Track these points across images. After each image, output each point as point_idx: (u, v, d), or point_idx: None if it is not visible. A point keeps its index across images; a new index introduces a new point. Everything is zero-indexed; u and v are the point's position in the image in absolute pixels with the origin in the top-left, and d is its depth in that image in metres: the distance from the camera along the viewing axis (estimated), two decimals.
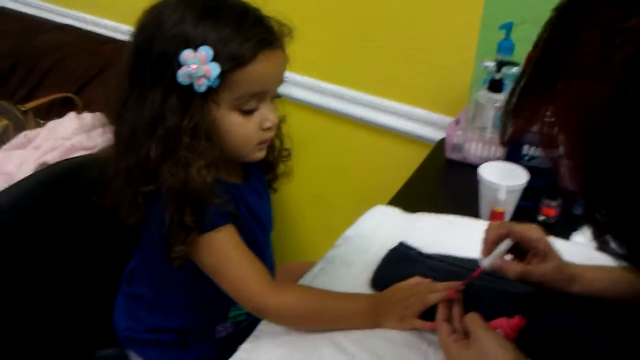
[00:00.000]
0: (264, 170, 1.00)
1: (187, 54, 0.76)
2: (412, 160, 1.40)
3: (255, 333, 0.84)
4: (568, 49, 0.45)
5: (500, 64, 1.25)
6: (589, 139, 0.44)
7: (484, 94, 1.28)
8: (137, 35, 0.83)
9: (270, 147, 0.95)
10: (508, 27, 1.25)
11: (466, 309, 0.77)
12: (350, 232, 1.05)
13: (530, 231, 0.80)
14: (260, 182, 0.99)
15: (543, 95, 0.49)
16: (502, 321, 0.72)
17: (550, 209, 1.11)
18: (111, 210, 0.86)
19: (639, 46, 0.40)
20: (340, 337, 0.81)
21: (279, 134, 0.96)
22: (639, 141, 0.41)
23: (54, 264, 1.03)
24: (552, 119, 0.49)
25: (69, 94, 1.94)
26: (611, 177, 0.44)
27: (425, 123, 1.54)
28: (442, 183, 1.33)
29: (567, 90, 0.46)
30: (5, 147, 1.76)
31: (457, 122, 1.38)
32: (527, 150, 1.14)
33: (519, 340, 0.71)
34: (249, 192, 0.94)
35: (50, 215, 1.02)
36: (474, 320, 0.72)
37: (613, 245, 0.48)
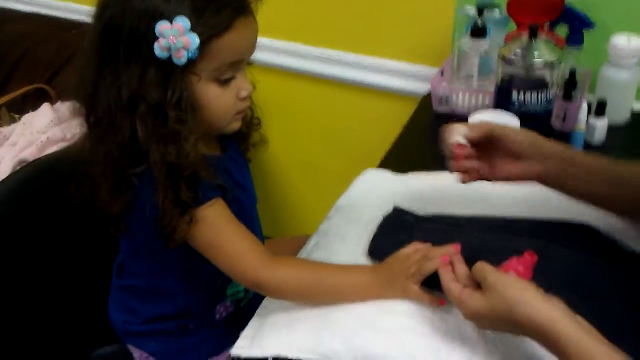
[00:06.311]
0: (238, 141, 0.98)
1: (163, 26, 0.73)
2: (399, 116, 1.35)
3: (255, 318, 0.82)
4: None
5: (482, 8, 1.20)
6: None
7: (468, 41, 1.24)
8: (101, 13, 0.78)
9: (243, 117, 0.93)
10: None
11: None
12: (342, 201, 1.01)
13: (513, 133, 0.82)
14: (238, 153, 0.98)
15: None
16: (512, 262, 0.68)
17: None
18: (91, 201, 0.83)
19: None
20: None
21: (250, 103, 0.93)
22: None
23: (43, 264, 1.01)
24: None
25: (41, 85, 1.88)
26: None
27: (409, 77, 1.49)
28: (432, 138, 1.29)
29: None
30: None
31: (442, 73, 1.33)
32: (517, 97, 1.10)
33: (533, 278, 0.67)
34: (231, 164, 0.92)
35: (33, 215, 1.00)
36: (482, 269, 0.67)
37: None
